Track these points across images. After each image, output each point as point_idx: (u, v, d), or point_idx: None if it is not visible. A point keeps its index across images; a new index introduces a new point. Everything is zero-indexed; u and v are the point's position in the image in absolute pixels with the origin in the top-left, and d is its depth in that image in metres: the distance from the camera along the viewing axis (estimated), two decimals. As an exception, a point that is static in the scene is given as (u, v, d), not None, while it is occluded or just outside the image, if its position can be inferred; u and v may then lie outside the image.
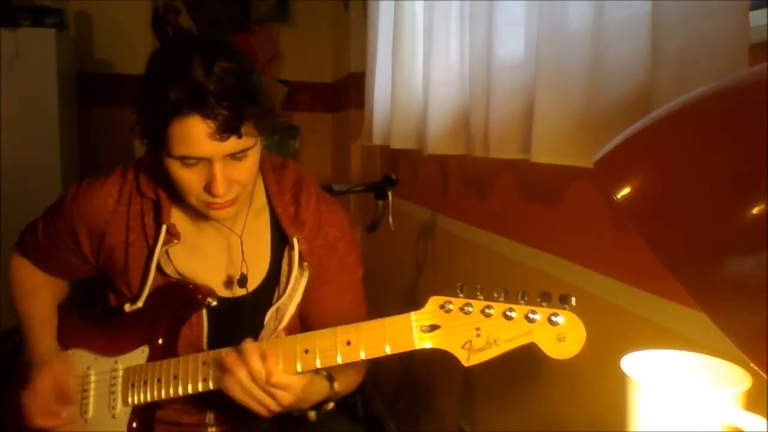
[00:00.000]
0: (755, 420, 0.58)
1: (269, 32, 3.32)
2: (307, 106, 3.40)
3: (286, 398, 0.94)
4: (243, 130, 0.95)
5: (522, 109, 1.19)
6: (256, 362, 0.92)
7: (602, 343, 0.91)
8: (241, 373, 0.93)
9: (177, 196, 1.06)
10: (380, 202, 1.79)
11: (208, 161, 0.97)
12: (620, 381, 0.66)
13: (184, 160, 0.97)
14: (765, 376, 0.41)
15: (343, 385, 1.08)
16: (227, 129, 0.94)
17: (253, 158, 1.02)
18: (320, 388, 1.04)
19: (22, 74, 2.58)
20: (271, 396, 0.94)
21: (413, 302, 2.22)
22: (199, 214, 1.08)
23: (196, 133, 0.94)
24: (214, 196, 0.99)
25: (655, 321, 0.96)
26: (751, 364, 0.42)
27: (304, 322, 1.17)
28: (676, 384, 0.67)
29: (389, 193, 1.78)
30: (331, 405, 1.09)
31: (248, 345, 0.94)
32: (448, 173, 1.84)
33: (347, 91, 2.95)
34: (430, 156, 1.65)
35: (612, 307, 1.06)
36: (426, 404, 2.04)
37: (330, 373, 1.06)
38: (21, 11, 2.62)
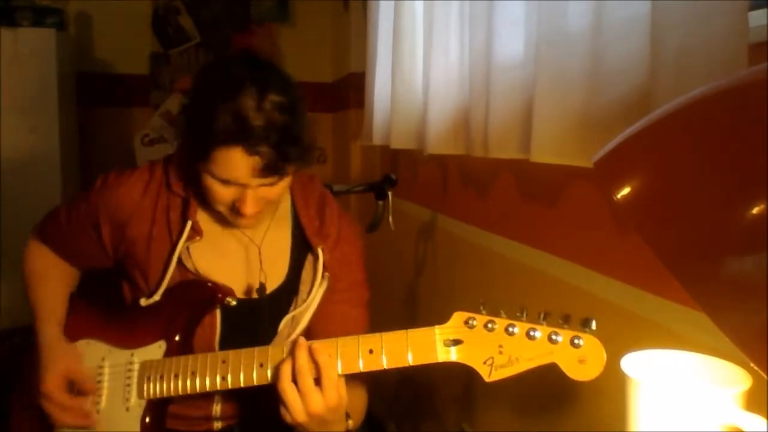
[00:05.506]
0: (755, 420, 0.58)
1: (269, 32, 3.31)
2: (307, 106, 3.40)
3: (332, 399, 0.91)
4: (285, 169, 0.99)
5: (522, 109, 1.19)
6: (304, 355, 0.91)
7: (602, 343, 0.90)
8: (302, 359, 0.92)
9: (204, 198, 1.09)
10: (380, 202, 1.79)
11: (244, 185, 1.01)
12: (620, 381, 0.66)
13: (221, 181, 1.01)
14: (765, 376, 0.41)
15: (354, 419, 1.07)
16: (271, 169, 0.97)
17: (285, 183, 1.05)
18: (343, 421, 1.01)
19: (22, 74, 2.57)
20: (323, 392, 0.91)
21: (413, 303, 2.23)
22: (222, 218, 1.11)
23: (238, 166, 0.97)
24: (241, 214, 1.03)
25: (655, 321, 0.96)
26: (751, 364, 0.42)
27: (308, 332, 1.15)
28: (676, 384, 0.67)
29: (389, 193, 1.78)
30: None
31: (300, 339, 0.93)
32: (448, 173, 1.84)
33: (347, 91, 2.94)
34: (430, 156, 1.64)
35: (612, 307, 1.06)
36: (426, 404, 2.04)
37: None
38: (21, 11, 2.61)
